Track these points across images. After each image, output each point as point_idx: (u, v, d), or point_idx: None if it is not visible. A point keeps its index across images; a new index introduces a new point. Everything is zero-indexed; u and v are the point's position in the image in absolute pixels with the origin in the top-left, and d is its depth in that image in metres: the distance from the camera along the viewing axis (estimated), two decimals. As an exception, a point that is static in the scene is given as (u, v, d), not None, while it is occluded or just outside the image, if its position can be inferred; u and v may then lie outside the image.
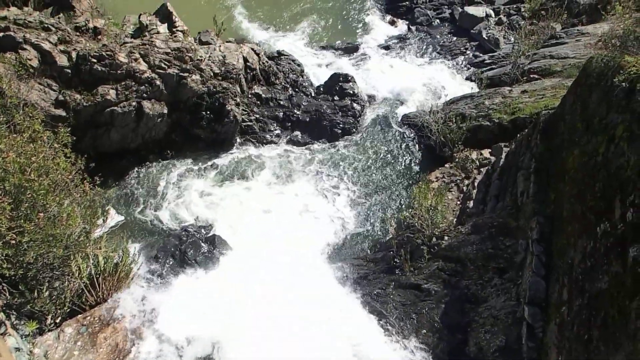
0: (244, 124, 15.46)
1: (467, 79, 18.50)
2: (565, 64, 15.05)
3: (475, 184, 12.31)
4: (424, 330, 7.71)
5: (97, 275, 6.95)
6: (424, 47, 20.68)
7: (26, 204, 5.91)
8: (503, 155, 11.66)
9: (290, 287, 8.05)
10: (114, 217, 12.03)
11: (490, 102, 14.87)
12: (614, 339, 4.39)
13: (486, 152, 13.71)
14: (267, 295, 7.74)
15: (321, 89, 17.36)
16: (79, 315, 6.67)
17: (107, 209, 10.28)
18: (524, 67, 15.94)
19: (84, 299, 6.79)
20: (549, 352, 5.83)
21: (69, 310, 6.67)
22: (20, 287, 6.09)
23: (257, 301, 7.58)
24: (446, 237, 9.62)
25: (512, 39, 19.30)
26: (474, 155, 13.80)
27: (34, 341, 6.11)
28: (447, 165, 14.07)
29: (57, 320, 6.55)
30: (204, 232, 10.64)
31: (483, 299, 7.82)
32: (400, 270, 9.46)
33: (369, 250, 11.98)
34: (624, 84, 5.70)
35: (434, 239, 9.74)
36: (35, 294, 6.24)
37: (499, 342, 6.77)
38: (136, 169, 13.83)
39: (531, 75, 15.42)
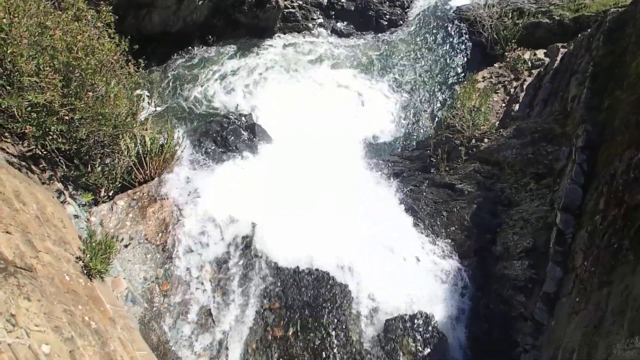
0: (286, 10, 14.84)
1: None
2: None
3: (524, 87, 11.76)
4: (453, 228, 7.95)
5: (145, 155, 7.31)
6: None
7: (75, 82, 6.08)
8: (559, 57, 10.95)
9: (327, 176, 8.29)
10: (158, 101, 12.29)
11: (553, -4, 13.64)
12: (644, 249, 4.43)
13: (540, 53, 12.88)
14: (304, 182, 8.02)
15: (369, -25, 16.20)
16: (129, 191, 7.15)
17: (151, 92, 10.48)
18: (599, -44, 14.26)
19: (133, 176, 7.22)
20: (575, 257, 5.96)
21: (119, 185, 7.15)
22: (75, 161, 6.52)
23: (294, 188, 7.88)
24: (486, 140, 9.48)
25: None
26: (526, 55, 13.01)
27: (90, 210, 6.68)
28: (496, 65, 13.38)
29: (110, 194, 7.06)
30: (244, 120, 10.79)
31: (516, 203, 7.89)
32: (435, 169, 9.52)
33: (406, 148, 11.99)
34: None
35: (473, 141, 9.62)
36: (89, 168, 6.68)
37: (527, 244, 6.94)
38: (178, 53, 13.79)
39: (605, -33, 13.84)
